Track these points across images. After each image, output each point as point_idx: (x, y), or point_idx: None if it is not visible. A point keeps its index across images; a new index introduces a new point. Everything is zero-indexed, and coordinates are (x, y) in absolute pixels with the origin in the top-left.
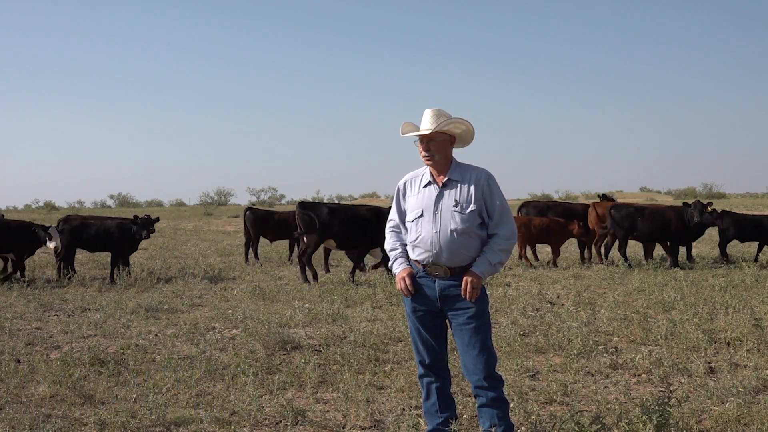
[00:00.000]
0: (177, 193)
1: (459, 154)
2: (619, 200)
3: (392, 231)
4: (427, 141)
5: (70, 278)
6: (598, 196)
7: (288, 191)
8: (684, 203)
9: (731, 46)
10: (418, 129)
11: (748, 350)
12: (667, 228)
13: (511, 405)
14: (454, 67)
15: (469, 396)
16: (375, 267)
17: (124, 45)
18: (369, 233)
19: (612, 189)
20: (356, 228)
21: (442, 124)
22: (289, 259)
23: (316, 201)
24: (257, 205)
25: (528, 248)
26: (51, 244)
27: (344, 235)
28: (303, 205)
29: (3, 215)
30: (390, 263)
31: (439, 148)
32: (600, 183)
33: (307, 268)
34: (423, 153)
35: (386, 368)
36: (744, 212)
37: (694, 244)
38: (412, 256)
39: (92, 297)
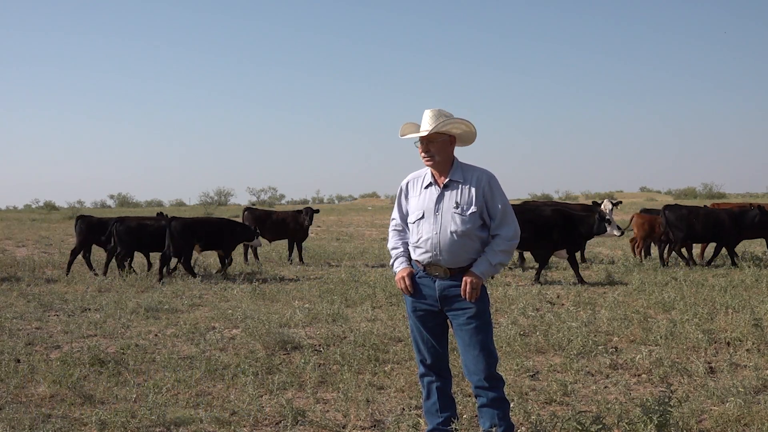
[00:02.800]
0: (177, 193)
1: (460, 153)
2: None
3: (394, 230)
4: (426, 142)
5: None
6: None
7: (288, 191)
8: (751, 205)
9: (731, 46)
10: (418, 130)
11: (748, 350)
12: (720, 229)
13: (511, 405)
14: (454, 67)
15: (469, 396)
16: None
17: (124, 45)
18: (551, 234)
19: (612, 189)
20: (537, 228)
21: (439, 125)
22: (288, 259)
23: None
24: (257, 205)
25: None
26: (256, 242)
27: (524, 236)
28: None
29: (165, 214)
30: (390, 262)
31: (439, 149)
32: (600, 183)
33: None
34: (422, 154)
35: (386, 368)
36: None
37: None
38: (414, 256)
39: (92, 297)
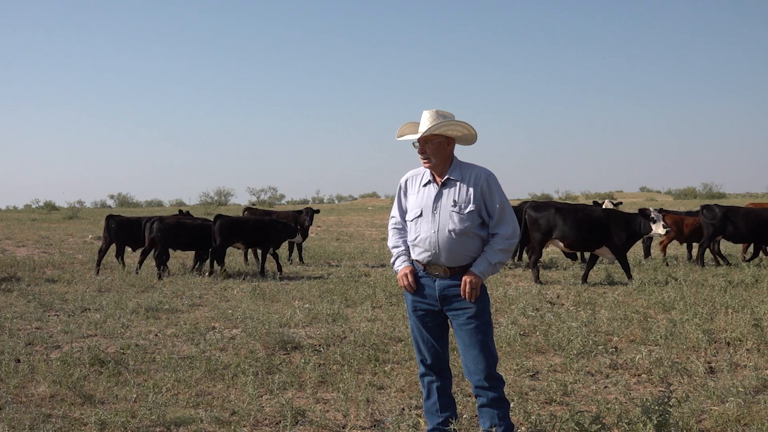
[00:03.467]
0: (177, 193)
1: (460, 153)
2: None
3: (394, 228)
4: (423, 143)
5: (160, 276)
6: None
7: (288, 191)
8: None
9: (731, 46)
10: (416, 130)
11: (748, 350)
12: (764, 229)
13: (511, 405)
14: (454, 67)
15: (469, 396)
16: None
17: (124, 45)
18: (602, 234)
19: (612, 189)
20: (587, 229)
21: (434, 128)
22: (288, 259)
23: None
24: (257, 204)
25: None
26: (297, 238)
27: (573, 236)
28: (533, 206)
29: (188, 212)
30: (392, 261)
31: (435, 151)
32: (600, 183)
33: (535, 269)
34: (420, 156)
35: (386, 368)
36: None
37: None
38: (413, 255)
39: (92, 297)
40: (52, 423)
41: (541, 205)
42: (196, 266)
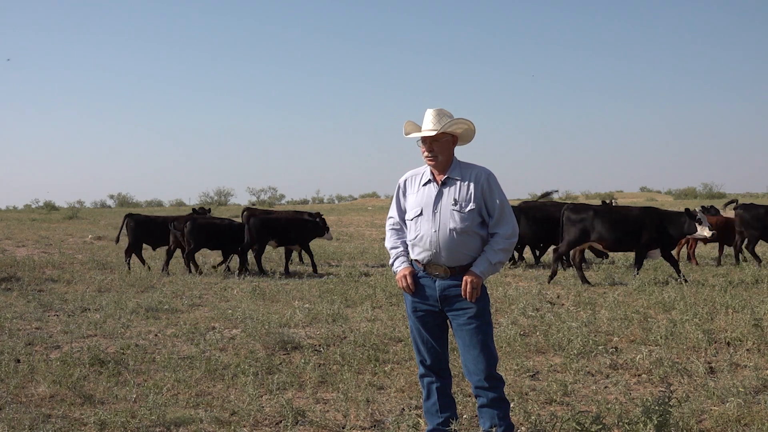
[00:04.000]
0: (177, 193)
1: (459, 152)
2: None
3: (392, 229)
4: (430, 142)
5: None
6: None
7: (288, 191)
8: None
9: (731, 46)
10: (420, 128)
11: (748, 350)
12: None
13: (511, 405)
14: (454, 67)
15: (469, 396)
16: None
17: (124, 45)
18: (640, 235)
19: (612, 189)
20: (625, 229)
21: (447, 125)
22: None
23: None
24: (257, 204)
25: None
26: (327, 236)
27: (612, 237)
28: (571, 207)
29: (209, 210)
30: (390, 262)
31: (443, 149)
32: (600, 183)
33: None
34: (426, 154)
35: (386, 368)
36: None
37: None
38: (412, 255)
39: (92, 297)
40: (52, 423)
41: (580, 207)
42: (227, 263)
